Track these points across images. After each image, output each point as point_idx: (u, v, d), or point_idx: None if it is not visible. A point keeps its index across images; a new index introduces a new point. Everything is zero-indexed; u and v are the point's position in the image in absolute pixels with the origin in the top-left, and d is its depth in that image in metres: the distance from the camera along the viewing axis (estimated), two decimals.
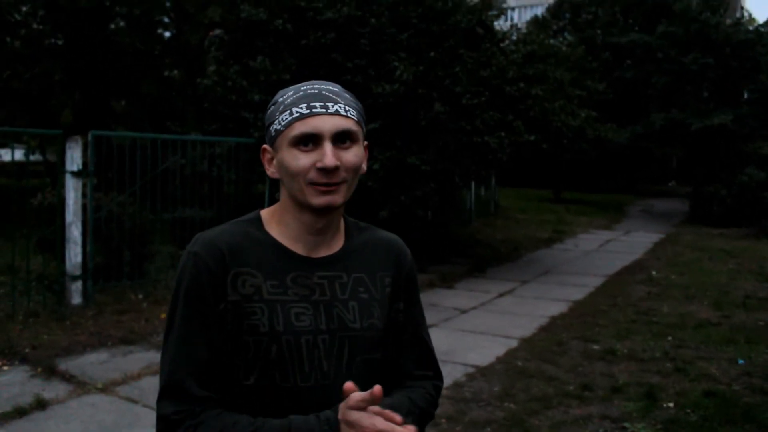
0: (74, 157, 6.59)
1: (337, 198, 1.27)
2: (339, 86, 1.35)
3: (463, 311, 7.50)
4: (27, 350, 5.38)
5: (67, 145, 6.59)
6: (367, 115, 5.99)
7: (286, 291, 1.31)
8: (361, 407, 1.17)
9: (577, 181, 24.99)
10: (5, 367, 5.09)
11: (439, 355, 5.08)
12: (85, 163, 6.68)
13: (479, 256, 10.95)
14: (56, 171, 6.72)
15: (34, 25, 12.84)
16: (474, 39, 9.56)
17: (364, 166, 1.35)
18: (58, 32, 12.64)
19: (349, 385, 1.19)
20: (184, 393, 1.25)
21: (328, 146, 1.25)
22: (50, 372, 5.00)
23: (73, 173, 6.57)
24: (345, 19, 8.53)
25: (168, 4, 12.35)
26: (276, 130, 1.30)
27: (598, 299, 8.22)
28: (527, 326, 6.84)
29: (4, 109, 12.14)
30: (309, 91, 1.29)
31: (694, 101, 20.71)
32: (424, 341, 1.52)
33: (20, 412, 4.27)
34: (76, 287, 6.70)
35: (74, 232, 6.61)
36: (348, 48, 8.59)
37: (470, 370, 5.42)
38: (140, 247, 7.44)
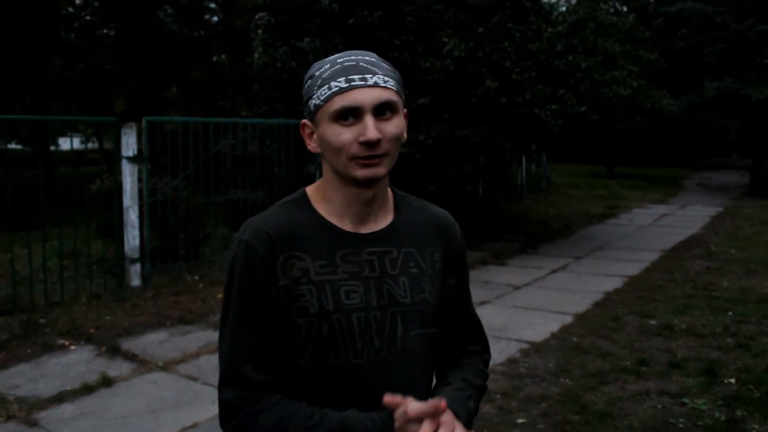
0: (129, 143, 6.74)
1: (380, 170, 1.26)
2: (375, 55, 1.31)
3: (516, 288, 7.45)
4: (91, 330, 5.57)
5: (122, 131, 6.75)
6: (415, 91, 6.02)
7: (336, 270, 1.30)
8: (421, 419, 1.19)
9: (630, 156, 24.40)
10: (72, 347, 5.28)
11: (492, 332, 5.09)
12: (139, 149, 6.83)
13: (531, 232, 10.83)
14: (113, 157, 6.88)
15: (87, 17, 13.15)
16: (521, 12, 9.38)
17: (405, 135, 1.33)
18: (110, 23, 12.93)
19: (394, 399, 1.21)
20: (242, 379, 1.28)
21: (369, 119, 1.23)
22: (114, 351, 5.16)
23: (128, 159, 6.73)
24: None
25: None
26: (315, 105, 1.28)
27: (654, 274, 8.04)
28: (581, 302, 6.74)
29: (60, 100, 12.53)
30: (346, 64, 1.26)
31: (753, 70, 19.90)
32: (474, 316, 1.53)
33: (88, 389, 4.44)
34: (135, 270, 6.88)
35: (131, 216, 6.78)
36: (395, 25, 8.53)
37: (525, 346, 5.38)
38: (194, 230, 7.60)
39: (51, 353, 5.15)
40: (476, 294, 7.04)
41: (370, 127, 1.22)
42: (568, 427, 3.93)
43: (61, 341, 5.37)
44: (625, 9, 21.69)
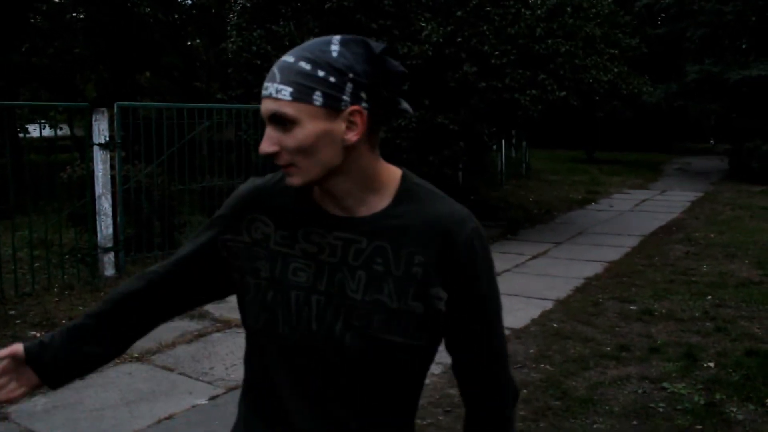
0: (101, 129, 6.59)
1: (294, 180, 1.21)
2: (309, 46, 1.20)
3: (497, 274, 7.41)
4: (63, 321, 5.44)
5: (94, 117, 6.59)
6: None
7: (293, 245, 1.28)
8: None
9: (610, 141, 24.46)
10: None
11: None
12: (111, 136, 6.68)
13: (511, 218, 10.82)
14: (84, 144, 6.73)
15: (56, 0, 12.89)
16: None
17: (352, 136, 1.18)
18: (79, 6, 12.66)
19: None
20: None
21: (267, 132, 1.19)
22: None
23: (100, 145, 6.58)
24: None
25: None
26: None
27: (635, 259, 8.06)
28: (562, 288, 6.73)
29: (27, 87, 12.27)
30: (273, 66, 1.22)
31: (733, 53, 20.00)
32: (493, 355, 1.31)
33: None
34: (109, 259, 6.75)
35: (104, 205, 6.64)
36: (372, 9, 8.42)
37: (505, 332, 5.34)
38: (170, 218, 7.47)
39: None
40: None
41: (263, 141, 1.19)
42: (549, 413, 3.90)
43: (32, 333, 5.25)
44: None
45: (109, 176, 6.65)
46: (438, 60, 8.35)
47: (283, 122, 1.17)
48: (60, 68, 12.23)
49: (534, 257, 8.31)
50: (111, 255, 6.75)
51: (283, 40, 8.46)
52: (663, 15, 22.72)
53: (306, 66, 1.17)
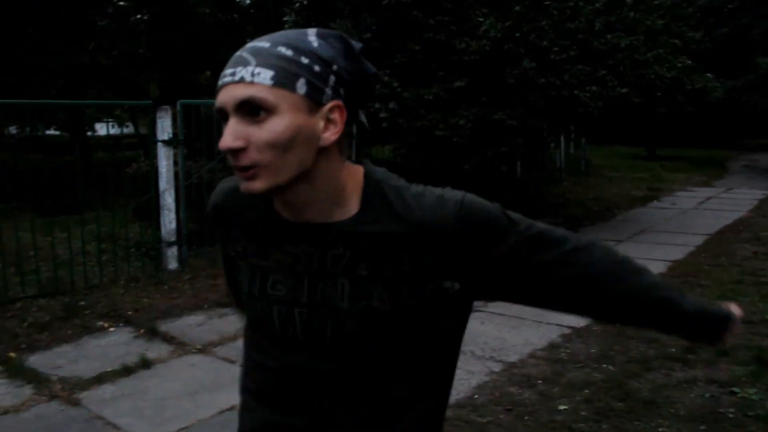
0: (164, 127, 6.75)
1: (256, 185, 1.04)
2: (286, 34, 1.09)
3: None
4: (129, 313, 5.61)
5: (157, 115, 6.76)
6: (451, 73, 5.82)
7: (268, 257, 1.18)
8: None
9: (672, 137, 23.77)
10: (111, 329, 5.33)
11: (532, 316, 4.97)
12: (174, 133, 6.83)
13: (571, 215, 10.62)
14: (148, 142, 6.91)
15: (121, 3, 13.25)
16: None
17: (330, 135, 1.07)
18: (142, 8, 13.00)
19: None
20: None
21: (229, 124, 1.03)
22: (152, 333, 5.19)
23: (163, 142, 6.74)
24: None
25: None
26: None
27: (700, 259, 7.80)
28: None
29: (93, 86, 12.67)
30: (236, 54, 1.07)
31: None
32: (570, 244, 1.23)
33: (127, 371, 4.48)
34: (172, 253, 6.92)
35: (168, 200, 6.80)
36: (429, 5, 8.38)
37: (566, 331, 5.26)
38: None
39: (91, 335, 5.20)
40: None
41: (224, 134, 1.03)
42: (612, 414, 3.82)
43: (100, 323, 5.43)
44: None
45: (173, 172, 6.80)
46: (496, 56, 8.26)
47: (257, 111, 1.02)
48: (124, 68, 12.60)
49: None
50: (174, 249, 6.92)
51: None
52: (727, 8, 21.95)
53: (287, 51, 1.05)
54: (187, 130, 7.10)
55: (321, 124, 1.06)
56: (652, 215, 11.24)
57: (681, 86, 11.69)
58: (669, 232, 9.66)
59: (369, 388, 1.17)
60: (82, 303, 5.82)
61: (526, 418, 3.78)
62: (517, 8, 8.46)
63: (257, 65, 1.02)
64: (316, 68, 1.05)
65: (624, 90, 9.03)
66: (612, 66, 9.08)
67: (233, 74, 1.03)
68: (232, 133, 1.02)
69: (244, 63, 1.03)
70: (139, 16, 13.26)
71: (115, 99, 12.18)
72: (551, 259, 1.20)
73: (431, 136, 8.27)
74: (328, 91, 1.06)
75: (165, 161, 6.76)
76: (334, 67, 1.07)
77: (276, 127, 1.02)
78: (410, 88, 8.16)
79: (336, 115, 1.07)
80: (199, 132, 7.18)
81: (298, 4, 9.41)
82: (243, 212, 1.20)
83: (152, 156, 6.82)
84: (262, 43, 1.06)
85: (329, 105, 1.07)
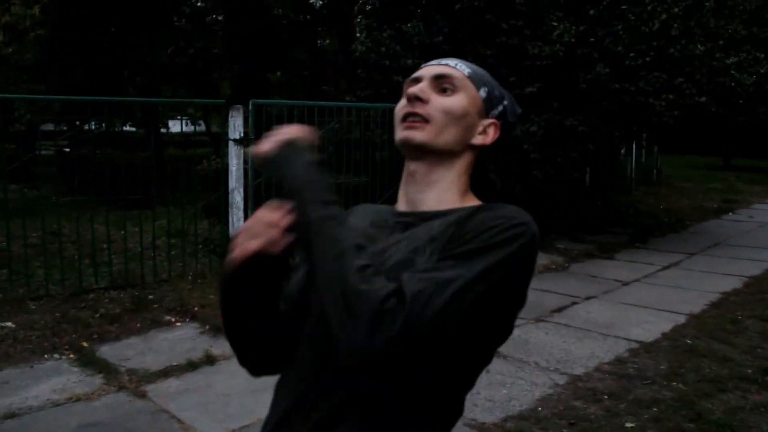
0: (236, 125, 6.86)
1: (417, 134, 1.23)
2: (474, 65, 1.33)
3: (625, 283, 7.09)
4: (196, 309, 5.72)
5: (230, 114, 6.88)
6: (523, 78, 5.70)
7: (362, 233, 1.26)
8: None
9: (749, 147, 22.87)
10: (178, 323, 5.45)
11: (598, 329, 4.83)
12: (245, 132, 6.94)
13: (641, 226, 10.32)
14: (219, 140, 7.04)
15: (198, 3, 13.60)
16: None
17: (481, 139, 1.28)
18: (218, 8, 13.32)
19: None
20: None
21: (421, 86, 1.25)
22: (217, 330, 5.27)
23: (235, 141, 6.85)
24: None
25: None
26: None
27: None
28: (696, 302, 6.33)
29: (169, 84, 13.05)
30: (440, 60, 1.32)
31: None
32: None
33: (192, 366, 4.57)
34: None
35: (237, 198, 6.92)
36: (502, 8, 8.27)
37: (634, 345, 5.10)
38: None
39: (158, 328, 5.33)
40: (582, 288, 6.78)
41: (415, 88, 1.25)
42: None
43: (168, 317, 5.56)
44: None
45: (242, 171, 6.91)
46: (569, 61, 8.09)
47: (444, 87, 1.25)
48: (198, 67, 12.93)
49: (665, 268, 7.88)
50: None
51: (411, 39, 8.48)
52: None
53: (479, 70, 1.32)
54: (258, 129, 7.20)
55: (480, 128, 1.28)
56: (727, 228, 10.81)
57: (764, 94, 11.21)
58: (745, 246, 9.28)
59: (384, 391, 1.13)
60: (150, 297, 5.98)
61: None
62: (592, 12, 8.26)
63: (460, 62, 1.30)
64: (496, 92, 1.31)
65: (702, 99, 8.70)
66: (689, 73, 8.77)
67: (438, 62, 1.30)
68: (421, 90, 1.24)
69: (449, 59, 1.30)
70: (214, 16, 13.60)
71: (188, 97, 12.54)
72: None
73: None
74: (495, 111, 1.30)
75: (236, 160, 6.88)
76: (505, 103, 1.32)
77: (455, 101, 1.25)
78: None
79: (491, 129, 1.29)
80: (269, 131, 7.27)
81: (370, 7, 9.44)
82: (368, 209, 1.37)
83: (223, 154, 6.95)
84: (457, 60, 1.32)
85: (492, 120, 1.29)
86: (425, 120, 1.23)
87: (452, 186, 1.27)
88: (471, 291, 1.03)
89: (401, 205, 1.30)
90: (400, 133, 1.25)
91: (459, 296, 1.02)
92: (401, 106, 1.26)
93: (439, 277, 1.03)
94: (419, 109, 1.23)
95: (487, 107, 1.29)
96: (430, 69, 1.29)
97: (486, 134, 1.28)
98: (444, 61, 1.30)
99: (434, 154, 1.24)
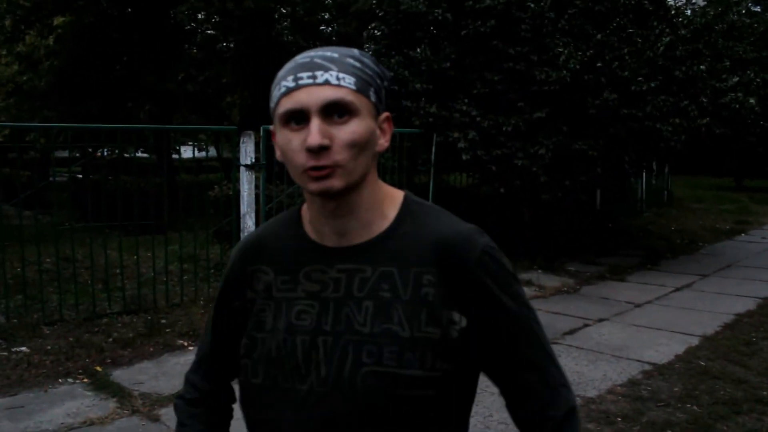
0: (248, 151, 6.92)
1: (334, 182, 1.07)
2: (345, 50, 1.15)
3: (637, 305, 7.06)
4: None
5: (241, 139, 6.94)
6: (531, 103, 5.78)
7: (296, 288, 1.19)
8: None
9: (762, 168, 22.77)
10: (190, 348, 5.46)
11: (611, 351, 4.83)
12: (257, 157, 7.00)
13: (652, 247, 10.29)
14: (230, 165, 7.11)
15: (209, 31, 13.79)
16: (642, 16, 8.94)
17: (384, 142, 1.16)
18: (229, 36, 13.49)
19: None
20: (189, 384, 1.39)
21: (314, 123, 1.06)
22: None
23: (246, 166, 6.91)
24: (504, 6, 8.30)
25: (328, 1, 12.74)
26: (271, 108, 1.15)
27: None
28: (709, 323, 6.30)
29: (180, 110, 13.22)
30: (300, 61, 1.12)
31: None
32: (538, 367, 1.17)
33: None
34: None
35: (248, 222, 6.96)
36: (508, 35, 8.36)
37: (647, 367, 5.07)
38: None
39: (171, 352, 5.35)
40: (594, 310, 6.76)
41: (313, 132, 1.05)
42: None
43: (180, 341, 5.58)
44: (758, 9, 20.31)
45: (254, 196, 6.96)
46: (577, 86, 8.14)
47: (341, 113, 1.08)
48: (209, 94, 13.09)
49: (677, 290, 7.85)
50: None
51: (420, 65, 8.57)
52: None
53: (356, 63, 1.13)
54: (269, 155, 7.27)
55: (378, 132, 1.15)
56: (740, 249, 10.76)
57: None
58: (759, 267, 9.22)
59: (383, 426, 1.12)
60: (163, 321, 6.00)
61: None
62: (600, 36, 8.32)
63: (340, 71, 1.09)
64: (377, 81, 1.15)
65: (705, 120, 8.71)
66: (693, 95, 8.79)
67: (313, 77, 1.08)
68: (319, 132, 1.06)
69: (323, 68, 1.09)
70: (225, 44, 13.79)
71: (199, 123, 12.71)
72: (523, 369, 1.18)
73: (511, 166, 8.19)
74: (383, 104, 1.16)
75: (247, 185, 6.93)
76: (385, 83, 1.17)
77: (357, 128, 1.09)
78: (490, 117, 8.13)
79: (386, 125, 1.18)
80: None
81: (379, 33, 9.55)
82: (277, 245, 1.24)
83: (234, 179, 7.01)
84: (329, 53, 1.12)
85: (384, 115, 1.17)
86: (334, 166, 1.07)
87: (372, 200, 1.17)
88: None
89: (327, 240, 1.18)
90: (312, 186, 1.08)
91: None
92: (296, 151, 1.08)
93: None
94: (325, 160, 1.07)
95: (378, 106, 1.15)
96: (312, 95, 1.08)
97: (384, 133, 1.17)
98: (320, 75, 1.08)
99: (354, 187, 1.12)
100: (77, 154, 9.23)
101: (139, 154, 12.03)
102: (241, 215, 6.93)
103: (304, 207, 1.25)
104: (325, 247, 1.18)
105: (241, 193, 6.92)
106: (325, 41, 13.15)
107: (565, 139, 8.15)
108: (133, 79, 12.80)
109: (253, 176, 6.89)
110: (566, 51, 8.03)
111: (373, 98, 1.12)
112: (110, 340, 5.50)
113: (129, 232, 7.39)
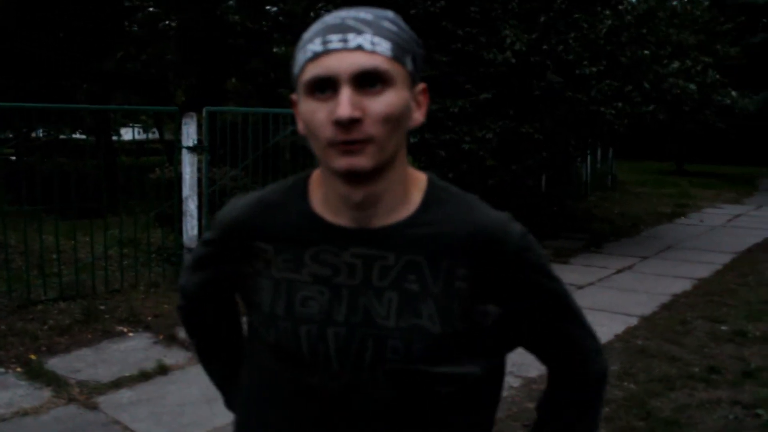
0: (190, 133, 6.78)
1: (362, 161, 0.96)
2: (380, 11, 1.01)
3: (580, 287, 7.20)
4: (149, 318, 5.63)
5: (183, 121, 6.79)
6: (479, 85, 5.80)
7: (299, 269, 1.06)
8: None
9: (702, 153, 23.46)
10: (130, 334, 5.34)
11: None
12: (200, 139, 6.86)
13: (596, 230, 10.51)
14: (173, 148, 6.95)
15: (150, 9, 13.42)
16: (587, 2, 9.05)
17: (419, 116, 1.04)
18: (172, 15, 13.17)
19: None
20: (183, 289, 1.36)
21: (344, 93, 0.94)
22: (170, 339, 5.20)
23: (189, 148, 6.77)
24: None
25: None
26: (294, 74, 1.02)
27: (726, 278, 7.66)
28: (648, 304, 6.47)
29: (120, 90, 12.87)
30: (330, 21, 0.98)
31: None
32: (574, 345, 1.18)
33: (145, 376, 4.49)
34: None
35: (191, 206, 6.83)
36: (458, 16, 8.35)
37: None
38: None
39: (110, 339, 5.22)
40: None
41: (343, 103, 0.93)
42: None
43: (120, 328, 5.44)
44: None
45: (196, 179, 6.83)
46: (523, 68, 8.20)
47: (373, 83, 0.96)
48: (152, 74, 12.77)
49: (619, 271, 8.03)
50: None
51: None
52: (765, 19, 21.62)
53: (392, 26, 1.00)
54: (212, 137, 7.13)
55: (414, 104, 1.04)
56: (680, 232, 11.07)
57: (710, 102, 11.51)
58: (696, 249, 9.51)
59: (407, 426, 1.06)
60: (102, 307, 5.85)
61: None
62: (543, 18, 8.39)
63: (374, 35, 0.97)
64: (415, 47, 1.03)
65: (650, 108, 8.90)
66: (637, 80, 8.96)
67: (344, 41, 0.95)
68: (350, 104, 0.94)
69: (356, 30, 0.96)
70: (168, 22, 13.46)
71: (141, 104, 12.40)
72: (560, 332, 1.18)
73: (459, 150, 8.22)
74: (419, 73, 1.05)
75: (189, 167, 6.79)
76: (421, 50, 1.05)
77: (393, 100, 0.97)
78: (437, 100, 8.13)
79: (422, 97, 1.06)
80: (223, 139, 7.21)
81: (325, 12, 9.43)
82: (273, 220, 1.10)
83: (176, 162, 6.86)
84: (362, 14, 0.99)
85: (420, 86, 1.05)
86: (365, 140, 0.96)
87: (399, 185, 1.06)
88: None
89: (341, 218, 1.06)
90: (340, 162, 0.97)
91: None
92: (322, 122, 0.97)
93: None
94: (357, 134, 0.95)
95: (415, 76, 1.03)
96: (342, 61, 0.95)
97: (420, 106, 1.06)
98: (352, 39, 0.96)
99: (383, 167, 1.01)
100: (10, 135, 8.89)
101: (78, 136, 11.68)
102: (183, 198, 6.80)
103: (313, 176, 1.12)
104: (337, 227, 1.06)
105: (183, 175, 6.78)
106: (272, 21, 12.94)
107: (511, 123, 8.22)
108: (70, 56, 12.37)
109: (196, 158, 6.76)
110: (513, 33, 8.08)
111: (409, 67, 1.00)
112: (46, 327, 5.33)
113: (66, 215, 7.16)
